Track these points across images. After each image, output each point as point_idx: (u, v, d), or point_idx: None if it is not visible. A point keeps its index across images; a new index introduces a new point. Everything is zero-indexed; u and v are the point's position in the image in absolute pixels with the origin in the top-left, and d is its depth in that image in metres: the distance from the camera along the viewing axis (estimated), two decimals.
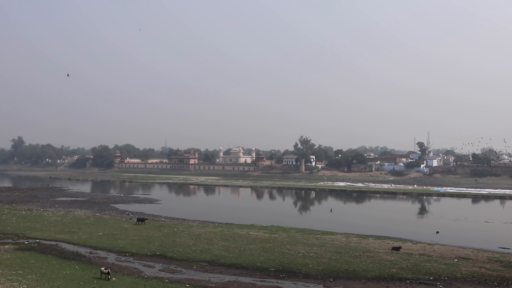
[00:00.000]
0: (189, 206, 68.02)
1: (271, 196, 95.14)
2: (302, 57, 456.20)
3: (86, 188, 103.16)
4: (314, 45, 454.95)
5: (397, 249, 33.47)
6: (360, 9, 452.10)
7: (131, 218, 50.44)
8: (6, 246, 33.44)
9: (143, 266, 28.35)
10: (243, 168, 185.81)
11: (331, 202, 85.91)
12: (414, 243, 37.28)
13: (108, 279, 24.36)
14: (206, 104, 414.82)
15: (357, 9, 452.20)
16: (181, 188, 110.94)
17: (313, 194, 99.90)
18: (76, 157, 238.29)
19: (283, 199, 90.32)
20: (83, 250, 32.81)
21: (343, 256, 30.69)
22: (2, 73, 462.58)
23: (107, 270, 24.79)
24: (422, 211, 71.43)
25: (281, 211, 66.02)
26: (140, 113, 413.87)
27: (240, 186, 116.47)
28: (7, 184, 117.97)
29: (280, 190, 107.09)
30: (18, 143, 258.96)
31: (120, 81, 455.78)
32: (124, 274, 25.95)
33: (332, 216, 59.68)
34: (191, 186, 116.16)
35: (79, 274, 25.56)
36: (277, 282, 24.93)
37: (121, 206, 63.78)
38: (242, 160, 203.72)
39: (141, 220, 45.14)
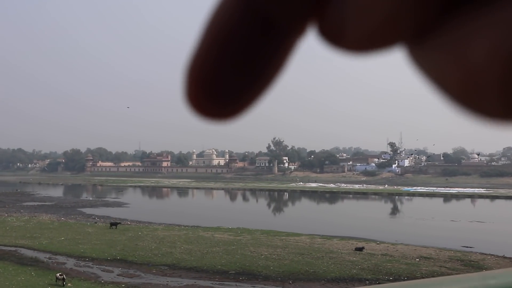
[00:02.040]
0: (157, 209, 67.26)
1: (241, 198, 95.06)
2: None
3: (55, 192, 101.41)
4: None
5: (360, 249, 33.70)
6: None
7: (96, 222, 49.78)
8: None
9: (101, 271, 28.01)
10: (216, 170, 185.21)
11: (301, 203, 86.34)
12: (378, 243, 37.59)
13: (63, 285, 24.01)
14: (179, 108, 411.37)
15: None
16: (152, 191, 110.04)
17: (286, 195, 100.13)
18: (47, 161, 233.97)
19: (253, 201, 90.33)
20: (42, 256, 32.28)
21: (305, 258, 30.80)
22: None
23: (62, 276, 24.41)
24: (391, 211, 72.19)
25: (249, 213, 65.89)
26: (113, 116, 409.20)
27: (212, 188, 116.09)
28: None
29: (252, 191, 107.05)
30: None
31: (89, 85, 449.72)
32: (81, 280, 25.66)
33: (299, 218, 59.84)
34: (162, 189, 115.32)
35: (34, 281, 25.17)
36: (236, 285, 24.95)
37: (88, 210, 62.89)
38: (215, 162, 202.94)
39: (114, 224, 44.40)
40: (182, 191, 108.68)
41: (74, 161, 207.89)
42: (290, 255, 31.61)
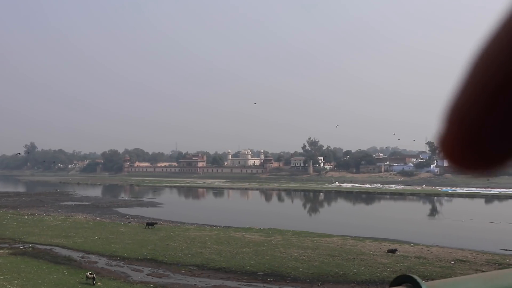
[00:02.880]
0: (190, 209, 67.75)
1: (275, 199, 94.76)
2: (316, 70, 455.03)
3: (92, 192, 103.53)
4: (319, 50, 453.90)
5: (392, 251, 33.00)
6: (357, 17, 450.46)
7: (129, 222, 50.48)
8: (1, 251, 33.63)
9: (131, 270, 28.27)
10: (251, 170, 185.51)
11: (336, 204, 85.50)
12: (411, 245, 36.70)
13: (93, 283, 24.28)
14: (214, 109, 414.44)
15: (353, 16, 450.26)
16: (186, 191, 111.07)
17: (320, 196, 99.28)
18: (87, 161, 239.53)
19: (287, 202, 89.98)
20: (75, 255, 32.87)
21: (336, 259, 30.33)
22: (14, 77, 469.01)
23: (92, 275, 24.71)
24: (427, 212, 70.57)
25: (282, 213, 65.57)
26: (150, 117, 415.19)
27: (246, 189, 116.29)
28: (19, 189, 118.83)
29: (286, 192, 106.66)
30: (30, 149, 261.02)
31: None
32: (111, 279, 25.92)
33: (333, 218, 59.21)
34: (197, 189, 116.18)
35: (65, 279, 25.57)
36: (263, 286, 24.72)
37: (123, 210, 63.87)
38: (250, 162, 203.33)
39: (150, 224, 44.72)
40: (216, 191, 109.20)
41: (112, 162, 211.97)
42: (320, 256, 31.19)
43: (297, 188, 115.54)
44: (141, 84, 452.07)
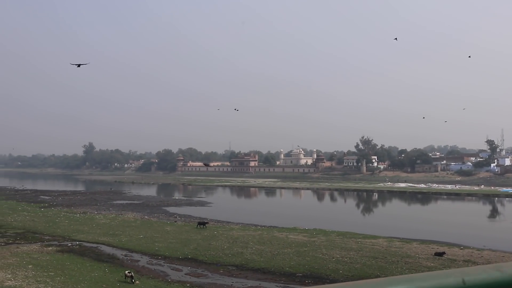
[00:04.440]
0: (238, 209, 67.86)
1: (325, 198, 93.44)
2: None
3: (145, 191, 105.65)
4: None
5: (440, 254, 31.54)
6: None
7: (175, 221, 51.00)
8: (50, 248, 34.62)
9: (171, 269, 28.37)
10: (303, 170, 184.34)
11: (387, 204, 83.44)
12: (461, 249, 35.01)
13: (132, 282, 24.47)
14: (268, 110, 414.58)
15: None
16: (236, 191, 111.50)
17: (372, 196, 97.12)
18: (142, 161, 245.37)
19: (336, 201, 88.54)
20: (119, 253, 33.37)
21: (379, 262, 29.31)
22: (71, 83, 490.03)
23: (130, 274, 24.93)
24: (483, 213, 67.54)
25: (330, 213, 64.63)
26: (205, 117, 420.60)
27: (297, 188, 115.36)
28: (77, 187, 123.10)
29: (337, 192, 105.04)
30: (89, 149, 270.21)
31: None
32: (149, 278, 26.06)
33: (382, 219, 57.74)
34: (247, 189, 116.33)
35: (106, 277, 25.90)
36: None
37: (171, 209, 64.70)
38: (302, 162, 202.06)
39: (202, 223, 44.91)
40: (267, 191, 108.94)
41: (166, 161, 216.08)
42: (363, 258, 30.24)
43: (348, 187, 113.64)
44: (195, 88, 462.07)
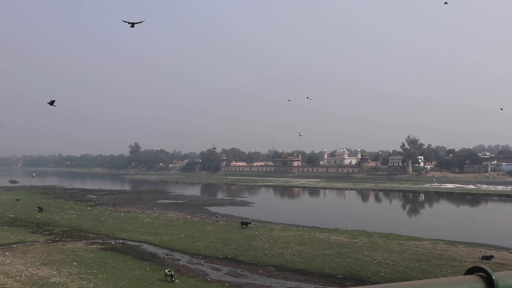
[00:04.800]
0: (280, 209, 67.55)
1: (369, 199, 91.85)
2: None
3: (188, 191, 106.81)
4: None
5: (487, 258, 30.35)
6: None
7: (217, 221, 51.24)
8: (94, 246, 35.40)
9: (211, 269, 28.45)
10: (347, 170, 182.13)
11: (433, 205, 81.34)
12: (511, 252, 33.62)
13: (172, 281, 24.65)
14: (312, 109, 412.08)
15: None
16: (279, 191, 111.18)
17: (418, 197, 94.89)
18: (186, 161, 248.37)
19: (381, 202, 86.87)
20: (160, 252, 33.73)
21: (422, 265, 28.48)
22: (117, 88, 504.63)
23: (170, 272, 25.13)
24: None
25: (373, 214, 63.42)
26: (248, 117, 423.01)
27: (340, 189, 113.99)
28: (124, 187, 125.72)
29: (382, 192, 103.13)
30: (135, 149, 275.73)
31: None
32: (189, 277, 26.19)
33: (427, 221, 56.23)
34: (290, 189, 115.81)
35: (147, 275, 26.20)
36: None
37: (213, 209, 65.08)
38: (346, 162, 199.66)
39: (244, 223, 44.97)
40: (310, 191, 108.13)
41: (210, 161, 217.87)
42: (406, 261, 29.46)
43: (393, 188, 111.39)
44: (240, 87, 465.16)
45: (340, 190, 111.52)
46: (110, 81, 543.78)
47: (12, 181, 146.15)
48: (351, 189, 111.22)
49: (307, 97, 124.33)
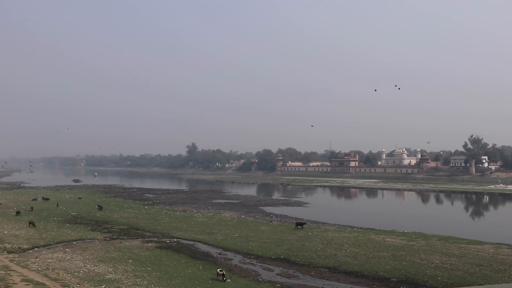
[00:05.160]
0: (335, 210, 66.68)
1: (429, 200, 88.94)
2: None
3: (243, 191, 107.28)
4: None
5: None
6: None
7: (271, 221, 51.12)
8: (149, 244, 36.14)
9: (263, 269, 28.38)
10: (406, 170, 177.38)
11: (499, 208, 77.83)
12: None
13: (224, 280, 24.74)
14: (371, 107, 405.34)
15: None
16: (335, 191, 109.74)
17: (481, 198, 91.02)
18: (242, 161, 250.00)
19: (440, 204, 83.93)
20: (214, 251, 34.01)
21: (483, 270, 27.16)
22: (177, 89, 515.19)
23: (222, 272, 25.24)
24: None
25: (432, 216, 61.40)
26: (306, 117, 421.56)
27: (399, 189, 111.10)
28: (179, 186, 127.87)
29: (443, 194, 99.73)
30: (192, 149, 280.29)
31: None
32: (241, 276, 26.20)
33: (490, 224, 53.82)
34: (346, 189, 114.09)
35: (199, 274, 26.43)
36: None
37: (268, 209, 65.04)
38: (405, 162, 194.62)
39: (300, 224, 44.78)
40: (367, 192, 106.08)
41: (266, 161, 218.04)
42: (465, 265, 28.20)
43: (455, 189, 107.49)
44: (301, 83, 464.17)
45: (398, 191, 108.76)
46: (167, 82, 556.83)
47: (75, 180, 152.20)
48: (410, 190, 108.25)
49: (375, 89, 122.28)
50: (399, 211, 68.21)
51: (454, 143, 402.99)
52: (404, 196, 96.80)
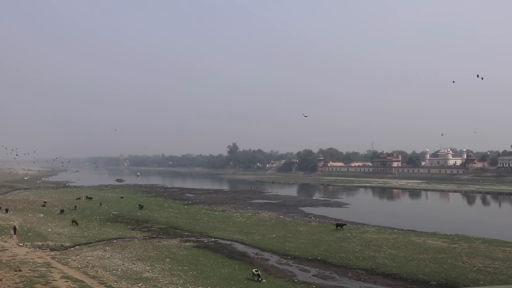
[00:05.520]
0: (375, 211, 65.50)
1: (475, 202, 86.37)
2: None
3: (283, 191, 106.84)
4: None
5: None
6: None
7: (309, 222, 50.75)
8: (187, 243, 36.48)
9: (299, 270, 28.19)
10: (451, 171, 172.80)
11: None
12: None
13: (259, 280, 24.68)
14: (415, 107, 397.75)
15: None
16: (376, 192, 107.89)
17: None
18: (283, 161, 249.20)
19: (488, 206, 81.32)
20: (251, 251, 34.01)
21: None
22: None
23: (257, 272, 25.19)
24: None
25: (477, 218, 59.62)
26: (347, 116, 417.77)
27: (443, 190, 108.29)
28: (220, 186, 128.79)
29: (489, 195, 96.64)
30: (233, 149, 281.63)
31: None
32: (276, 277, 26.10)
33: None
34: (388, 190, 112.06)
35: (235, 274, 26.46)
36: None
37: (307, 209, 64.57)
38: (450, 162, 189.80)
39: (339, 225, 44.35)
40: (410, 193, 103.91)
41: (307, 161, 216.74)
42: (510, 269, 27.20)
43: (503, 191, 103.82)
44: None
45: (442, 192, 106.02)
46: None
47: (118, 180, 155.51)
48: (455, 191, 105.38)
49: (453, 81, 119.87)
50: (442, 213, 66.44)
51: (501, 144, 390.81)
52: (448, 198, 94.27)
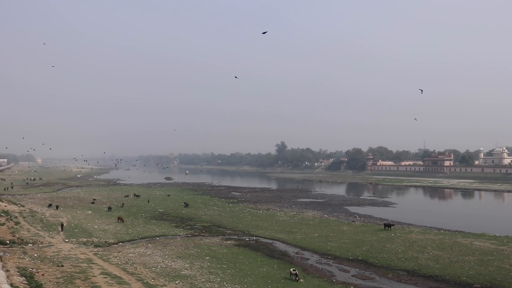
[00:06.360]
0: (423, 211, 63.79)
1: None
2: None
3: (330, 190, 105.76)
4: None
5: None
6: None
7: (353, 221, 50.10)
8: (229, 242, 36.79)
9: (338, 270, 27.94)
10: (506, 170, 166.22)
11: None
12: None
13: (296, 280, 24.62)
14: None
15: None
16: (426, 191, 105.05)
17: None
18: (331, 160, 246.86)
19: None
20: (291, 250, 33.95)
21: None
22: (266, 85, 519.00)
23: (295, 271, 25.14)
24: None
25: None
26: (399, 116, 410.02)
27: (497, 190, 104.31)
28: (268, 185, 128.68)
29: None
30: (281, 148, 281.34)
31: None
32: (315, 277, 25.96)
33: None
34: (438, 190, 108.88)
35: (273, 273, 26.48)
36: None
37: (353, 209, 63.75)
38: (506, 161, 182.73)
39: (388, 225, 43.65)
40: (461, 192, 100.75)
41: (356, 160, 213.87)
42: None
43: None
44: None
45: (496, 192, 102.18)
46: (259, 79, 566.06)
47: (167, 178, 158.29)
48: (509, 191, 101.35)
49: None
50: (493, 213, 64.19)
51: None
52: (503, 198, 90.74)
